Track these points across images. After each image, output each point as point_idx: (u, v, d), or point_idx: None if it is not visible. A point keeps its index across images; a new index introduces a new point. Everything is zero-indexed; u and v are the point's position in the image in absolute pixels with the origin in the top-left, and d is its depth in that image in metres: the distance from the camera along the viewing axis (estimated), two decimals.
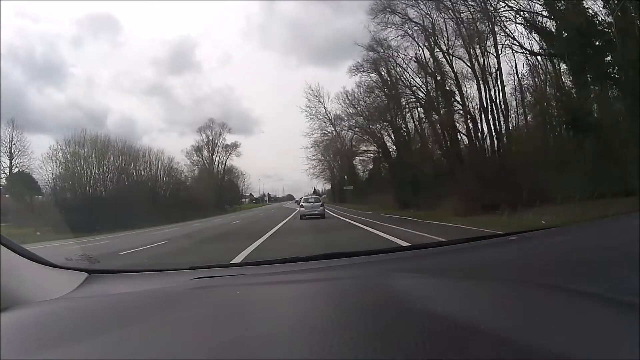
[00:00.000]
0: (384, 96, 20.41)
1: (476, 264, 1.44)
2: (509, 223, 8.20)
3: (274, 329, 0.70)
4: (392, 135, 21.53)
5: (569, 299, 0.81)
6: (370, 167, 28.44)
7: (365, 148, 25.45)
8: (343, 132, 25.24)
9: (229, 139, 35.21)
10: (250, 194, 43.18)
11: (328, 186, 40.12)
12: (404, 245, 4.82)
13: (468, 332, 0.60)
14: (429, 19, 17.13)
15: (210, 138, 34.85)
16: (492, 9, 15.16)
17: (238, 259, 4.99)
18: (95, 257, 3.21)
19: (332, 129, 25.81)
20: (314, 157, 28.61)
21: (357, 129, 23.53)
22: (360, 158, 28.32)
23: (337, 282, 1.18)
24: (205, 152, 34.77)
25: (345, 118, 23.55)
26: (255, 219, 19.08)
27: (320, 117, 25.02)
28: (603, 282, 1.00)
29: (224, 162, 35.44)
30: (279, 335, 0.65)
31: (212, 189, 31.95)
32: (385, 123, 21.22)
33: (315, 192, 34.27)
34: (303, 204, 16.21)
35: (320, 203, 16.13)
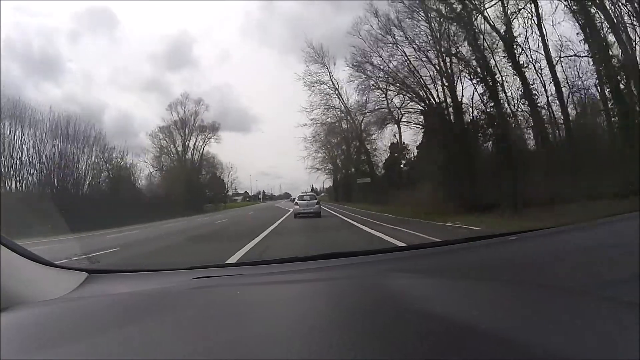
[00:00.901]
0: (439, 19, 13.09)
1: (475, 264, 1.44)
2: None
3: (273, 329, 0.71)
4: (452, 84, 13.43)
5: (568, 299, 0.81)
6: (387, 156, 21.53)
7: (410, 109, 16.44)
8: (358, 93, 18.07)
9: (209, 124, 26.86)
10: (246, 191, 40.39)
11: (329, 183, 33.09)
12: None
13: (466, 332, 0.60)
14: None
15: (183, 117, 26.32)
16: None
17: None
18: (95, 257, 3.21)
19: (339, 101, 19.67)
20: (313, 138, 21.95)
21: (388, 80, 15.70)
22: (374, 146, 21.77)
23: (335, 282, 1.19)
24: (175, 135, 26.53)
25: (368, 62, 15.98)
26: (202, 232, 11.29)
27: (323, 84, 19.13)
28: (603, 282, 1.00)
29: (200, 148, 27.23)
30: (277, 335, 0.66)
31: (182, 182, 24.90)
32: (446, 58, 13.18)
33: (313, 190, 28.15)
34: (298, 201, 15.25)
35: (315, 201, 15.14)
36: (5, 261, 1.02)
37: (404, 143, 20.44)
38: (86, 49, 30.28)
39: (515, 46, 11.88)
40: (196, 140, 27.30)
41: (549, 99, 11.48)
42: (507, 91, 12.06)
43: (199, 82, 38.55)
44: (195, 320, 0.80)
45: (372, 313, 0.75)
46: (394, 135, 19.97)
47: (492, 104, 12.17)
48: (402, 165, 21.06)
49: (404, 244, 4.83)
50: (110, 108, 39.23)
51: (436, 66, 14.24)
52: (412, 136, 19.87)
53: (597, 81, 10.97)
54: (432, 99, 14.44)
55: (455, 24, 12.78)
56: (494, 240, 1.83)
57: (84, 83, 30.78)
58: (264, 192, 41.95)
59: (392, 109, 17.24)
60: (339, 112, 21.02)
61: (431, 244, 2.19)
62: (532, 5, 11.61)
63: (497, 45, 12.31)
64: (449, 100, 14.14)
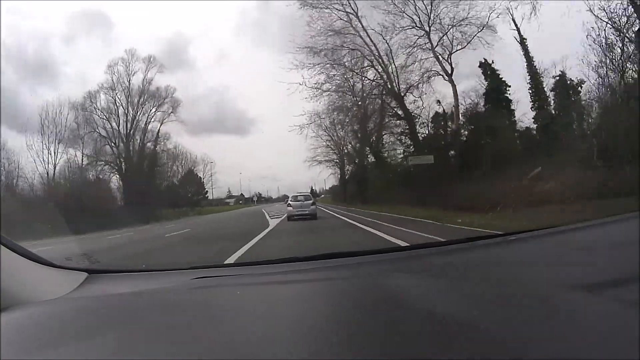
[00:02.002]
0: None
1: (475, 264, 1.44)
2: None
3: (273, 329, 0.71)
4: None
5: (568, 299, 0.81)
6: (431, 128, 14.00)
7: None
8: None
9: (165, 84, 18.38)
10: (241, 194, 39.04)
11: (332, 181, 25.58)
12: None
13: (467, 332, 0.60)
14: None
15: (126, 81, 17.44)
16: None
17: None
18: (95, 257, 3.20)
19: (359, 36, 12.88)
20: (315, 87, 14.42)
21: None
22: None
23: (335, 282, 1.19)
24: (112, 103, 17.42)
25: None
26: None
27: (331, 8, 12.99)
28: (603, 282, 1.00)
29: (155, 128, 17.93)
30: (277, 336, 0.66)
31: (126, 178, 17.25)
32: None
33: (312, 191, 22.85)
34: (291, 202, 13.48)
35: (311, 201, 13.44)
36: (5, 261, 1.02)
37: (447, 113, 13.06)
38: (81, 52, 29.67)
39: None
40: (148, 116, 17.76)
41: None
42: None
43: (195, 84, 37.71)
44: (195, 320, 0.80)
45: (372, 313, 0.75)
46: (438, 102, 13.06)
47: None
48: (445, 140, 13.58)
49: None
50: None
51: None
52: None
53: None
54: None
55: None
56: (494, 240, 1.83)
57: (80, 86, 29.99)
58: (259, 194, 40.33)
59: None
60: (358, 55, 13.38)
61: (432, 244, 2.19)
62: None
63: None
64: None
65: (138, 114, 17.96)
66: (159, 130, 18.40)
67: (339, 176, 23.20)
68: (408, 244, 4.51)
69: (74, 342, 0.67)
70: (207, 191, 24.20)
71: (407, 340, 0.58)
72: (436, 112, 13.73)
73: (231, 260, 5.64)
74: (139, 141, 18.24)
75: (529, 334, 0.58)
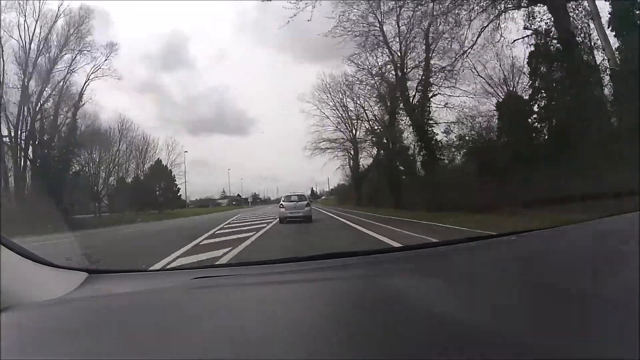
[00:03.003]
0: None
1: (475, 264, 1.44)
2: None
3: (273, 329, 0.71)
4: None
5: (568, 299, 0.81)
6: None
7: None
8: None
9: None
10: (238, 194, 37.45)
11: (338, 179, 20.32)
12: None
13: (466, 332, 0.60)
14: None
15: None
16: None
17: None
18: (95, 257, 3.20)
19: None
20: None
21: None
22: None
23: (335, 282, 1.19)
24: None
25: None
26: None
27: None
28: (603, 282, 1.00)
29: (85, 80, 10.93)
30: (277, 336, 0.66)
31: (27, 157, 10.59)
32: None
33: (312, 192, 19.59)
34: (284, 203, 12.56)
35: (305, 202, 12.54)
36: (5, 261, 1.02)
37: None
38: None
39: None
40: (69, 68, 9.92)
41: None
42: None
43: (195, 83, 37.48)
44: (195, 320, 0.80)
45: (372, 313, 0.75)
46: (534, 33, 7.81)
47: None
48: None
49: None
50: (105, 109, 37.84)
51: None
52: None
53: None
54: None
55: None
56: (494, 240, 1.83)
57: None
58: (255, 194, 39.60)
59: None
60: None
61: (431, 243, 2.19)
62: None
63: None
64: None
65: (45, 59, 9.44)
66: (83, 87, 10.83)
67: (350, 169, 16.86)
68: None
69: (74, 342, 0.67)
70: (179, 189, 18.26)
71: (407, 340, 0.58)
72: (534, 49, 7.20)
73: None
74: (48, 103, 9.93)
75: (528, 334, 0.58)
